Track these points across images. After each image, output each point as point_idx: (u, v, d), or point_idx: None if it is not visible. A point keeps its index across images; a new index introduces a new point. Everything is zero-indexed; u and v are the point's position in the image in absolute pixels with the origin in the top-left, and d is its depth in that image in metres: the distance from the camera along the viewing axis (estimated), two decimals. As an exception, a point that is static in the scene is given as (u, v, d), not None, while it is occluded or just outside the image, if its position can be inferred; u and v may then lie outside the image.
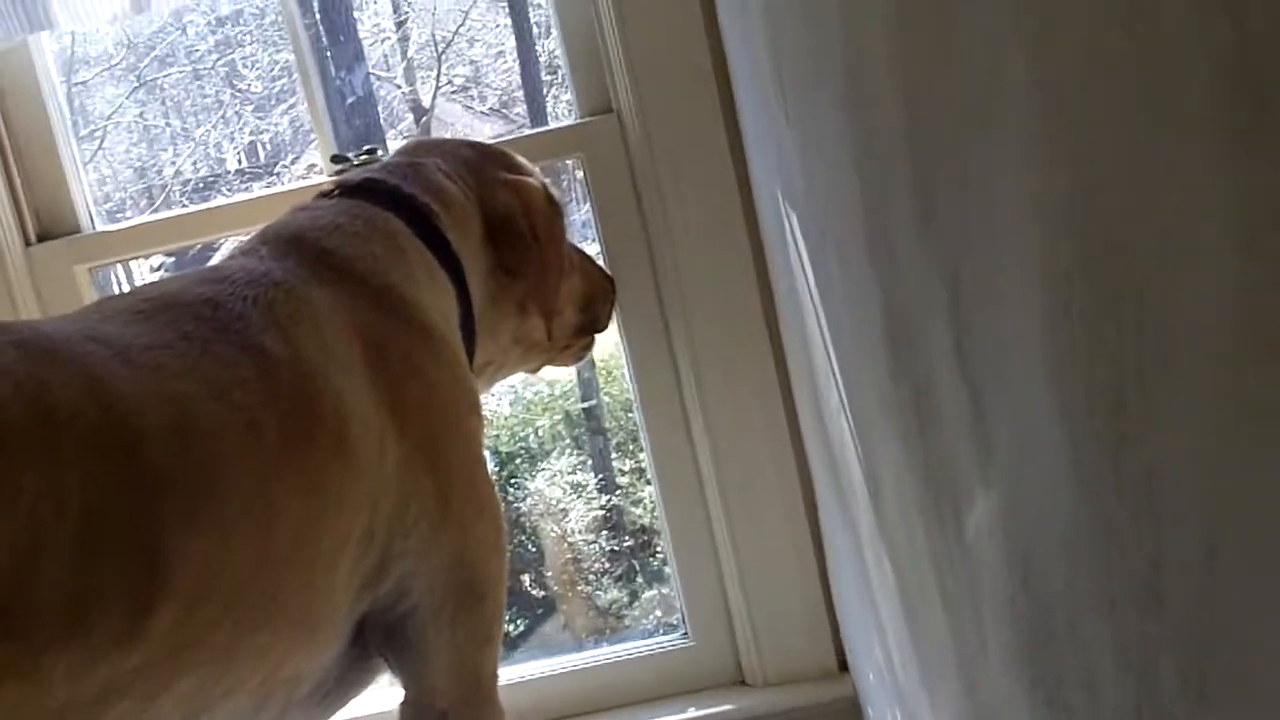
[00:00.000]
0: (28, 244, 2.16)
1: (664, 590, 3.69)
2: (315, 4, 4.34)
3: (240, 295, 1.40)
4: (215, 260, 1.67)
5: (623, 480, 4.10)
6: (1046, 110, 0.60)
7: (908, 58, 0.85)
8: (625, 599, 3.87)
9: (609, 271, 2.07)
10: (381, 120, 6.42)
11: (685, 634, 2.29)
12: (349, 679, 1.49)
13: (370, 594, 1.43)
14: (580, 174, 2.18)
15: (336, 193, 1.68)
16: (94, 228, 2.21)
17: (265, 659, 1.33)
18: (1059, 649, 0.73)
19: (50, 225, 2.19)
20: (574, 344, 1.99)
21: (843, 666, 2.23)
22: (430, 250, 1.63)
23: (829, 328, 1.50)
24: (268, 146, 5.09)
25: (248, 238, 1.61)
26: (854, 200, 1.13)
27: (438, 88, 7.26)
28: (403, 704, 1.51)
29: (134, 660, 1.19)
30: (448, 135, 1.94)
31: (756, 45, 1.65)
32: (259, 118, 5.03)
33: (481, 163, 1.81)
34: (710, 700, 2.23)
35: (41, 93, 2.17)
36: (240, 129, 5.12)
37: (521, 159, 1.89)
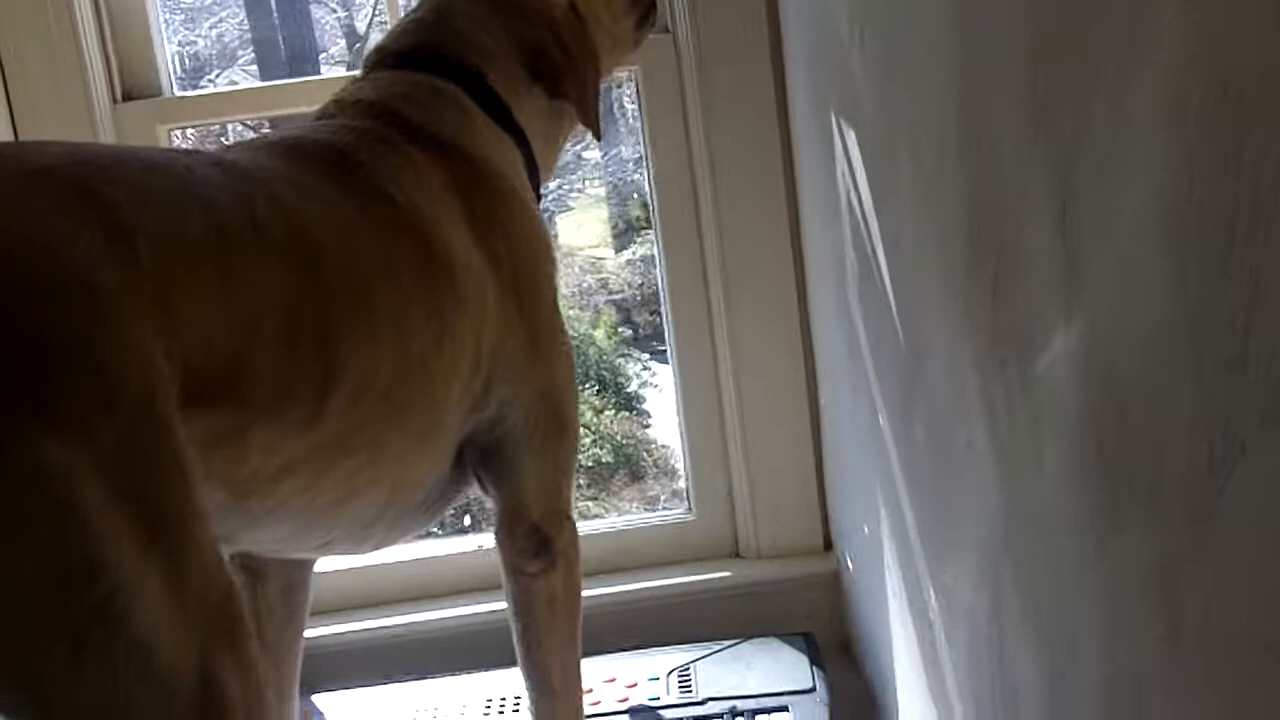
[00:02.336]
0: (115, 102, 2.33)
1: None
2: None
3: (356, 145, 1.61)
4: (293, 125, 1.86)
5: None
6: None
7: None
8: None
9: None
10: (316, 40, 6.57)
11: (689, 509, 2.54)
12: (445, 495, 1.73)
13: (475, 415, 1.66)
14: (635, 86, 2.40)
15: (390, 63, 1.83)
16: (173, 92, 2.38)
17: (402, 456, 1.58)
18: (1132, 439, 0.97)
19: (135, 86, 2.36)
20: (638, 36, 2.11)
21: (827, 545, 2.49)
22: (487, 109, 1.80)
23: (881, 228, 1.74)
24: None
25: (321, 107, 1.79)
26: (945, 106, 1.36)
27: (374, 16, 7.39)
28: (500, 514, 1.75)
29: (311, 440, 1.42)
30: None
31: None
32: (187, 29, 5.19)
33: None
34: (707, 568, 2.49)
35: (138, -40, 2.34)
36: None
37: None
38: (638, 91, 2.40)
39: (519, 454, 1.71)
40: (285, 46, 6.30)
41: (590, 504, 4.30)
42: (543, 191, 1.92)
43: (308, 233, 1.43)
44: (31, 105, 2.27)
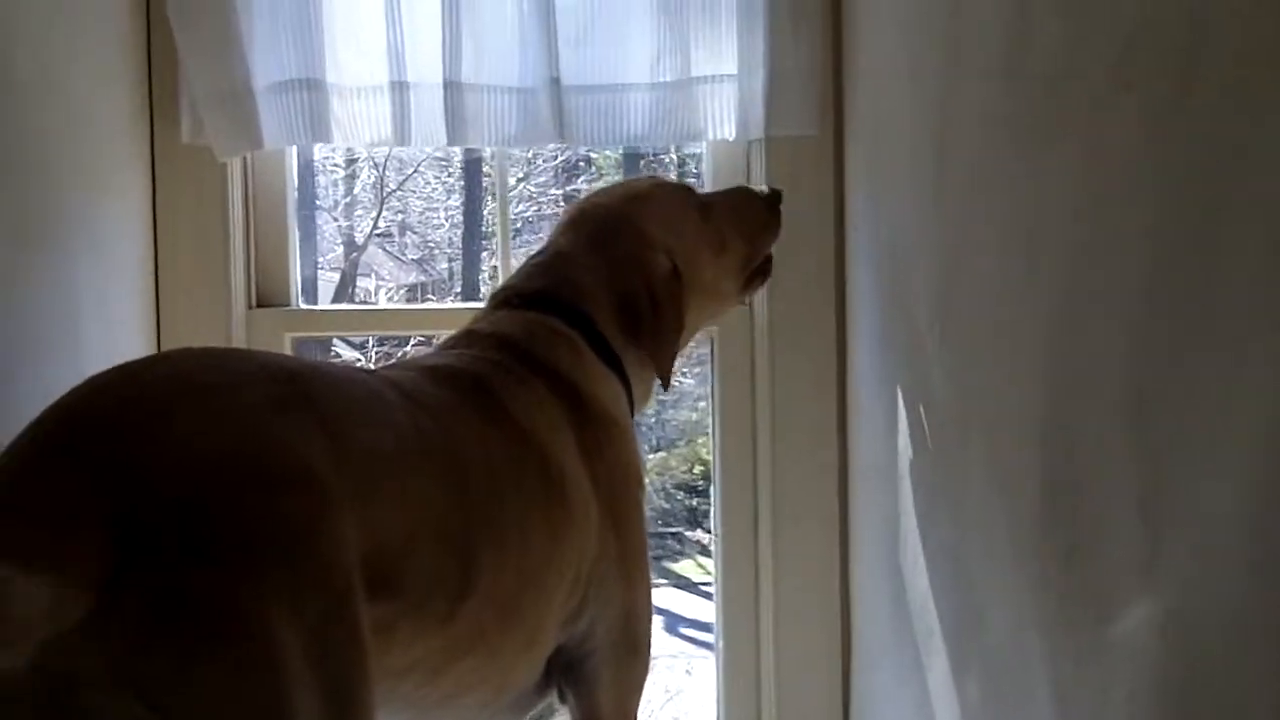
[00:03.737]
0: (250, 307, 2.59)
1: None
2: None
3: (490, 374, 1.84)
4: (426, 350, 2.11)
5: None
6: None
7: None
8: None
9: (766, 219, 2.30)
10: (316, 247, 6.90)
11: (718, 732, 2.73)
12: (528, 700, 1.89)
13: (569, 629, 1.84)
14: (710, 349, 2.69)
15: (515, 303, 2.05)
16: (300, 304, 2.65)
17: (507, 660, 1.74)
18: (1210, 699, 1.20)
19: (266, 294, 2.63)
20: (745, 295, 2.33)
21: (849, 781, 2.68)
22: (596, 349, 2.01)
23: (948, 500, 1.99)
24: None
25: (454, 335, 2.03)
26: (1029, 398, 1.62)
27: (373, 230, 7.72)
28: None
29: (440, 639, 1.60)
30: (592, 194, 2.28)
31: (907, 272, 2.18)
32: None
33: (615, 235, 2.09)
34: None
35: (286, 187, 2.63)
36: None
37: (661, 207, 2.15)
38: (711, 354, 2.69)
39: (599, 670, 1.88)
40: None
41: None
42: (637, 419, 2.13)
43: (458, 453, 1.64)
44: (176, 305, 2.53)
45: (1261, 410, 1.11)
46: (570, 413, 1.89)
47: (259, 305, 2.61)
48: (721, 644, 2.73)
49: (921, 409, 2.10)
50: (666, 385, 2.07)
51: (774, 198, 2.31)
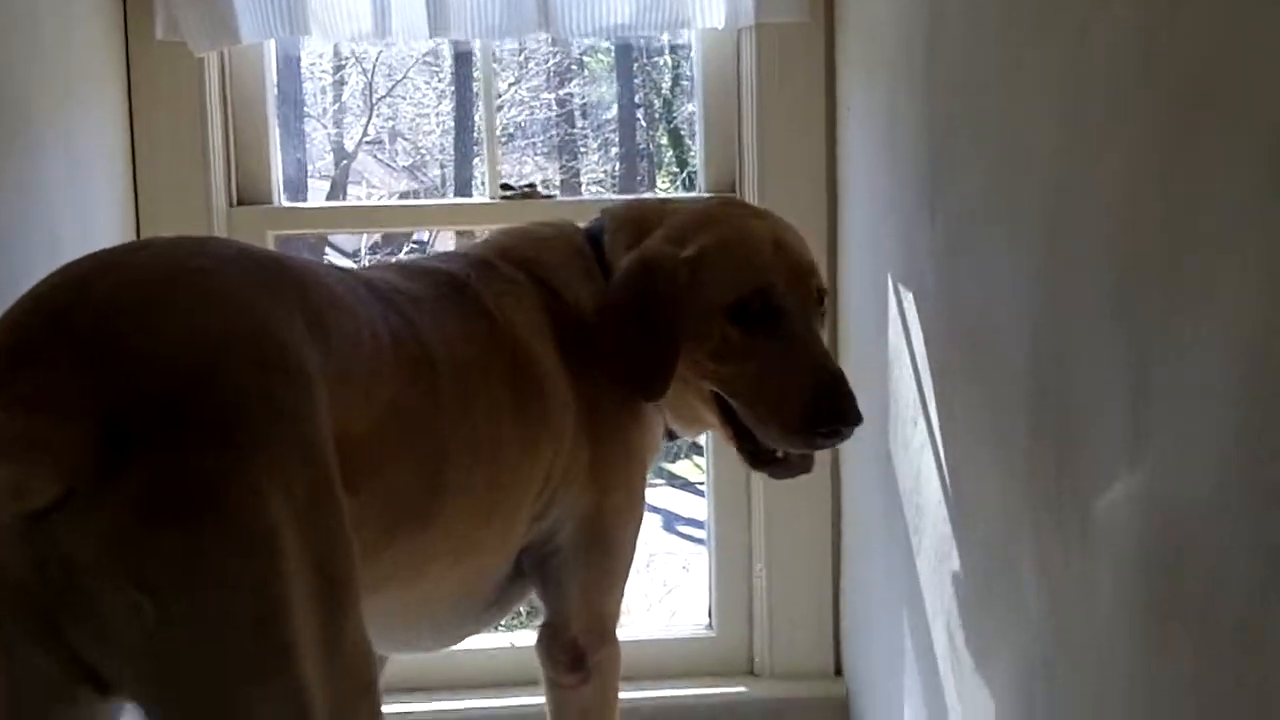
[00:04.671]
0: (231, 205, 2.56)
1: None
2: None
3: (466, 271, 1.81)
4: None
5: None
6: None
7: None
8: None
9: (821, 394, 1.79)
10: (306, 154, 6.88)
11: (709, 626, 2.74)
12: (506, 596, 1.90)
13: (537, 526, 1.83)
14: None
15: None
16: (280, 202, 2.62)
17: (479, 559, 1.75)
18: (1188, 568, 1.19)
19: (248, 193, 2.60)
20: (733, 443, 1.92)
21: (838, 671, 2.70)
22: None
23: (935, 390, 1.98)
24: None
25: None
26: (1020, 288, 1.60)
27: (363, 137, 7.70)
28: (542, 625, 1.90)
29: (416, 540, 1.59)
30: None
31: (901, 158, 2.15)
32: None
33: (678, 224, 1.92)
34: (723, 684, 2.69)
35: (265, 83, 2.59)
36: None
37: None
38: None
39: (563, 570, 1.86)
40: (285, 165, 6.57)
41: None
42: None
43: (427, 348, 1.62)
44: (156, 203, 2.50)
45: (1247, 291, 1.09)
46: (555, 314, 1.86)
47: (240, 204, 2.58)
48: (713, 539, 2.73)
49: (912, 298, 2.08)
50: (646, 398, 1.89)
51: (825, 420, 1.78)
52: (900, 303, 2.14)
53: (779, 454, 1.86)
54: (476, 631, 1.94)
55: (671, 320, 1.83)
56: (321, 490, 1.31)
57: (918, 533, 2.08)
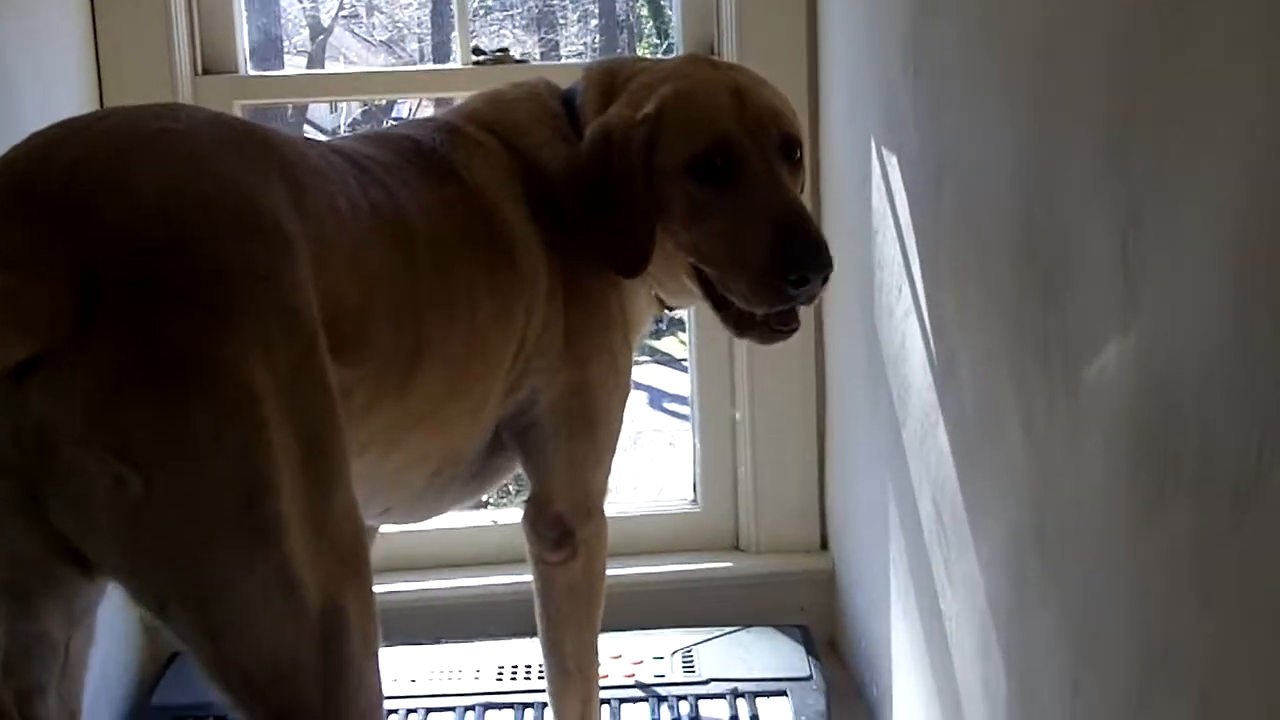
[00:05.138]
0: (196, 74, 2.48)
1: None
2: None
3: (432, 136, 1.75)
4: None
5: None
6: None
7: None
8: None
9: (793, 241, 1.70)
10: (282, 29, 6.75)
11: (694, 501, 2.71)
12: (487, 469, 1.85)
13: (511, 399, 1.78)
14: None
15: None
16: (247, 70, 2.53)
17: (455, 428, 1.70)
18: (1182, 431, 1.14)
19: (214, 62, 2.51)
20: (714, 311, 1.85)
21: (824, 545, 2.67)
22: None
23: (918, 249, 1.92)
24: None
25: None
26: (1005, 139, 1.54)
27: (339, 11, 7.55)
28: (527, 502, 1.86)
29: (396, 410, 1.55)
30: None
31: (882, 12, 2.07)
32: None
33: (642, 83, 1.84)
34: (709, 559, 2.66)
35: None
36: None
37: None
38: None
39: (544, 444, 1.81)
40: (250, 32, 6.44)
41: None
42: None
43: (404, 216, 1.57)
44: (119, 73, 2.41)
45: (1240, 143, 1.04)
46: (526, 176, 1.79)
47: (205, 73, 2.49)
48: (697, 414, 2.68)
49: (895, 159, 2.01)
50: (625, 273, 1.80)
51: (793, 266, 1.69)
52: (884, 165, 2.07)
53: (758, 317, 1.77)
54: (460, 504, 1.90)
55: (637, 189, 1.75)
56: (305, 358, 1.27)
57: (903, 403, 2.03)
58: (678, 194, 1.75)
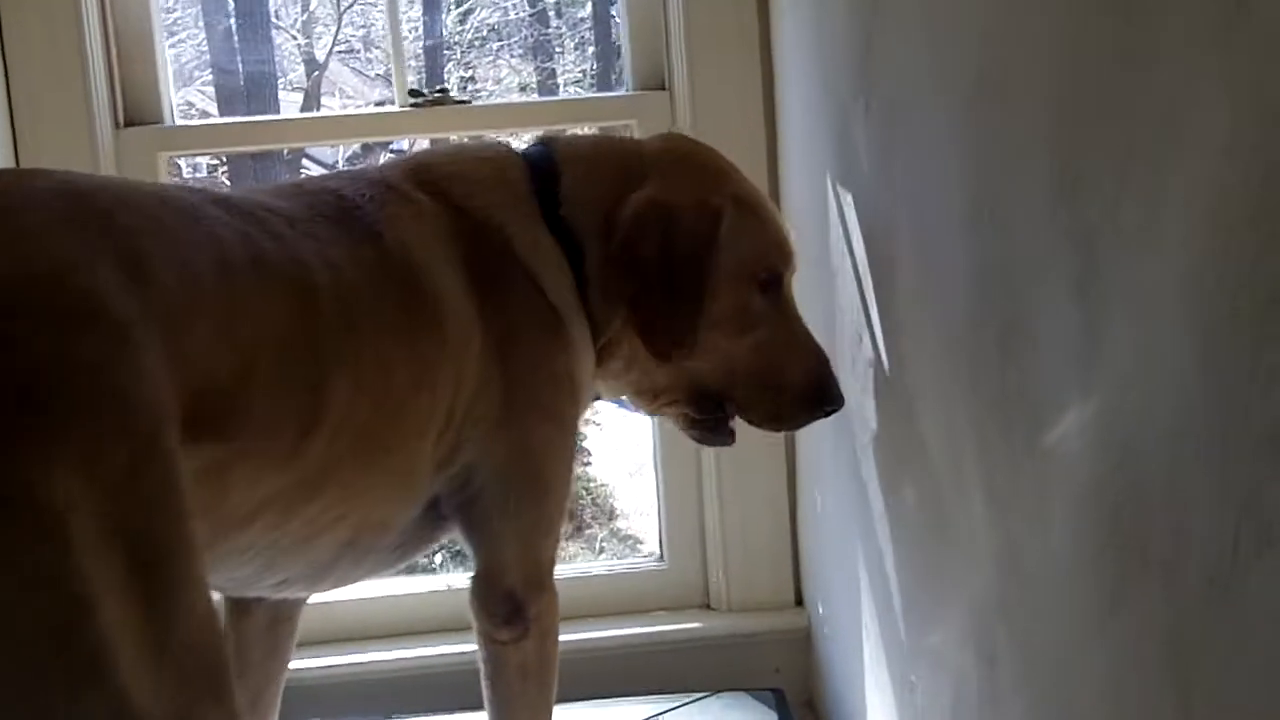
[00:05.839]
0: (117, 126, 2.35)
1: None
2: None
3: (361, 191, 1.62)
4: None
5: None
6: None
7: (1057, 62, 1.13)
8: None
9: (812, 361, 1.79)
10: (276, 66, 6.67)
11: (660, 558, 2.56)
12: (417, 539, 1.71)
13: (444, 472, 1.64)
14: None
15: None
16: (174, 121, 2.40)
17: (369, 498, 1.56)
18: (1148, 512, 1.01)
19: (136, 113, 2.38)
20: (684, 407, 1.85)
21: (798, 601, 2.52)
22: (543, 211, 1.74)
23: (875, 290, 1.78)
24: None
25: None
26: (955, 176, 1.41)
27: (334, 46, 7.46)
28: (474, 578, 1.71)
29: (287, 479, 1.42)
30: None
31: (832, 45, 1.93)
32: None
33: (682, 172, 1.77)
34: (678, 619, 2.51)
35: (149, -2, 2.37)
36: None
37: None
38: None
39: (489, 518, 1.68)
40: (244, 70, 6.37)
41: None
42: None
43: (302, 271, 1.44)
44: (35, 126, 2.28)
45: (1199, 180, 0.91)
46: (465, 238, 1.67)
47: (129, 124, 2.36)
48: (660, 468, 2.54)
49: (850, 197, 1.88)
50: (662, 357, 1.75)
51: (830, 401, 1.79)
52: (840, 204, 1.94)
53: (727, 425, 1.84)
54: (377, 575, 1.76)
55: (702, 276, 1.71)
56: (143, 457, 1.14)
57: (867, 457, 1.90)
58: (734, 298, 1.74)
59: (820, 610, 2.41)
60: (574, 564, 2.63)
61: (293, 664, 2.31)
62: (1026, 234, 1.24)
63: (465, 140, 1.82)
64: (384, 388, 1.52)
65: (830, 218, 2.00)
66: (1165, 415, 0.99)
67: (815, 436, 2.32)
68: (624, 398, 1.90)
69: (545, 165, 1.77)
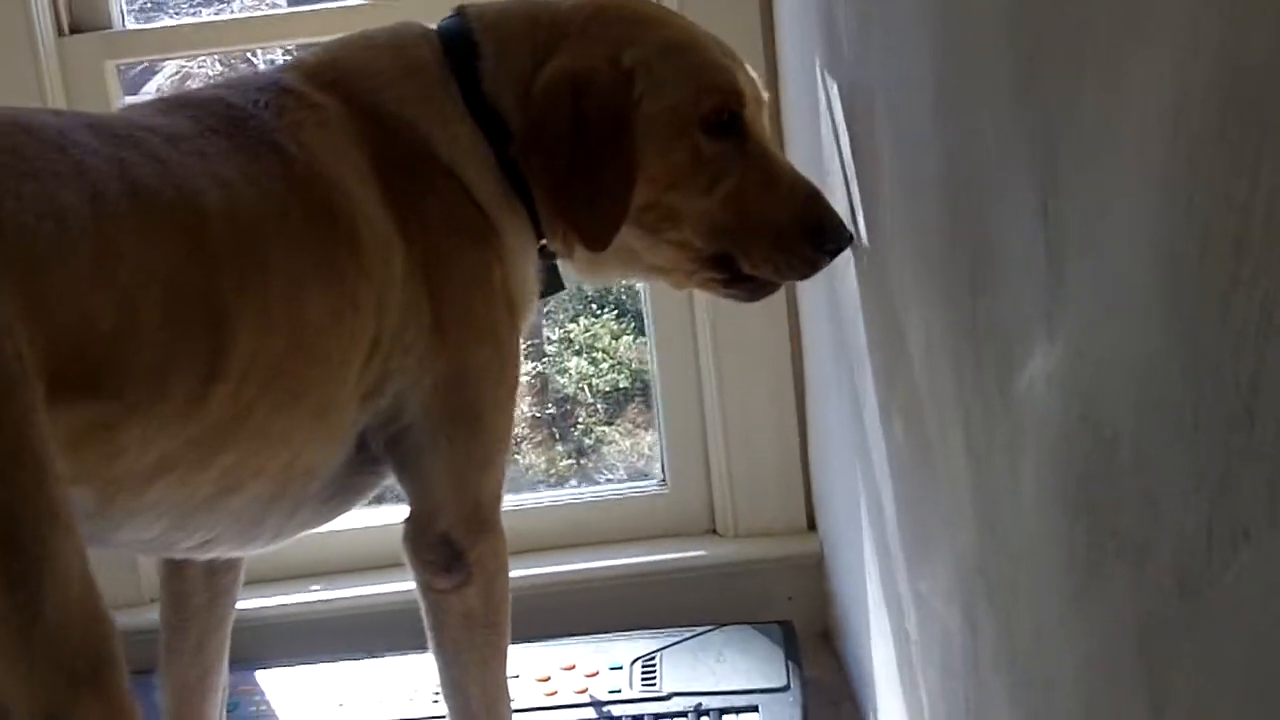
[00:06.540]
0: (60, 34, 2.17)
1: (583, 461, 3.78)
2: None
3: (254, 98, 1.45)
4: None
5: (549, 349, 4.18)
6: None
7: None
8: (542, 465, 3.94)
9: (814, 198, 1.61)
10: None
11: (663, 481, 2.39)
12: (352, 484, 1.56)
13: (372, 405, 1.48)
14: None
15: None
16: (124, 25, 2.22)
17: (289, 444, 1.40)
18: (1118, 479, 0.82)
19: (82, 18, 2.20)
20: (702, 274, 1.65)
21: (811, 525, 2.34)
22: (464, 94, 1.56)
23: (861, 194, 1.58)
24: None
25: None
26: (923, 65, 1.20)
27: None
28: (406, 521, 1.56)
29: (190, 431, 1.27)
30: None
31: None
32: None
33: (597, 31, 1.57)
34: (682, 546, 2.34)
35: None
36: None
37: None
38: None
39: (421, 453, 1.52)
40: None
41: (606, 429, 4.13)
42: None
43: (190, 196, 1.28)
44: (-35, 35, 2.11)
45: (1167, 74, 0.70)
46: (375, 143, 1.49)
47: (73, 31, 2.18)
48: (659, 387, 2.36)
49: (836, 87, 1.67)
50: (595, 245, 1.56)
51: (830, 238, 1.58)
52: (827, 94, 1.73)
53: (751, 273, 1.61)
54: (315, 526, 1.60)
55: (622, 146, 1.52)
56: None
57: (861, 379, 1.70)
58: (679, 153, 1.55)
59: (833, 534, 2.23)
60: (576, 489, 2.43)
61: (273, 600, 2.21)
62: (988, 128, 1.03)
63: (370, 29, 1.60)
64: (296, 321, 1.36)
65: (820, 111, 1.78)
66: (1130, 369, 0.79)
67: (817, 349, 2.13)
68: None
69: (461, 40, 1.57)
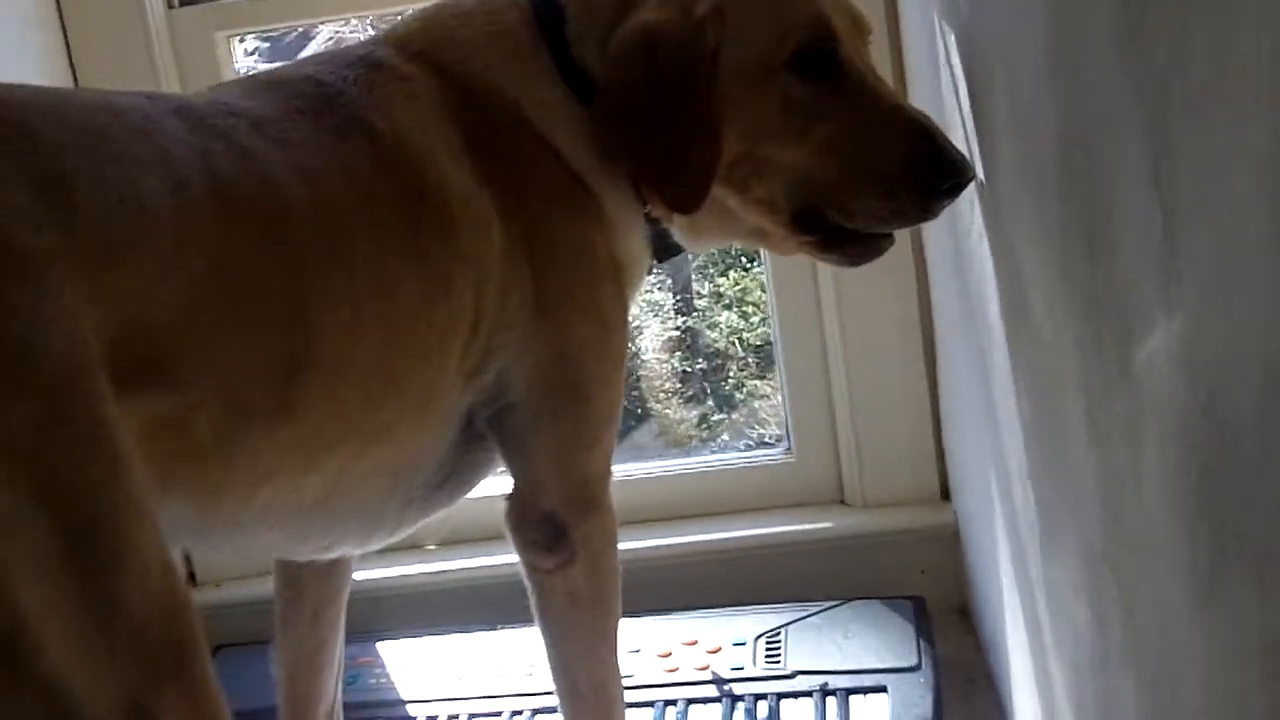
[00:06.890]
0: (170, 6, 2.16)
1: (733, 415, 3.70)
2: None
3: (343, 74, 1.40)
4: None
5: (700, 303, 4.10)
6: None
7: None
8: (694, 419, 3.88)
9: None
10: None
11: (788, 449, 2.31)
12: (466, 464, 1.51)
13: (475, 384, 1.44)
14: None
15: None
16: (233, -6, 2.21)
17: (393, 438, 1.37)
18: (1241, 476, 0.73)
19: (192, -11, 2.19)
20: (794, 238, 1.53)
21: (945, 495, 2.24)
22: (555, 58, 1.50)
23: (981, 157, 1.47)
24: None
25: None
26: (1035, 18, 1.10)
27: None
28: (508, 499, 1.52)
29: (283, 434, 1.23)
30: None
31: None
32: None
33: None
34: (809, 516, 2.26)
35: None
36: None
37: None
38: None
39: (525, 431, 1.47)
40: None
41: (758, 383, 4.06)
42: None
43: (274, 188, 1.24)
44: (81, 8, 2.12)
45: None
46: (468, 114, 1.44)
47: (184, 3, 2.17)
48: (781, 353, 2.27)
49: (953, 37, 1.56)
50: (683, 209, 1.48)
51: (946, 173, 1.43)
52: (945, 45, 1.62)
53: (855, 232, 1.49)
54: (433, 513, 1.56)
55: (702, 100, 1.42)
56: (55, 415, 0.98)
57: (988, 349, 1.60)
58: (768, 98, 1.44)
59: (969, 504, 2.13)
60: (701, 458, 2.36)
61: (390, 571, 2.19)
62: (1101, 88, 0.93)
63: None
64: (387, 314, 1.31)
65: (939, 61, 1.68)
66: (1253, 349, 0.69)
67: (945, 310, 2.02)
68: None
69: (549, 3, 1.50)
